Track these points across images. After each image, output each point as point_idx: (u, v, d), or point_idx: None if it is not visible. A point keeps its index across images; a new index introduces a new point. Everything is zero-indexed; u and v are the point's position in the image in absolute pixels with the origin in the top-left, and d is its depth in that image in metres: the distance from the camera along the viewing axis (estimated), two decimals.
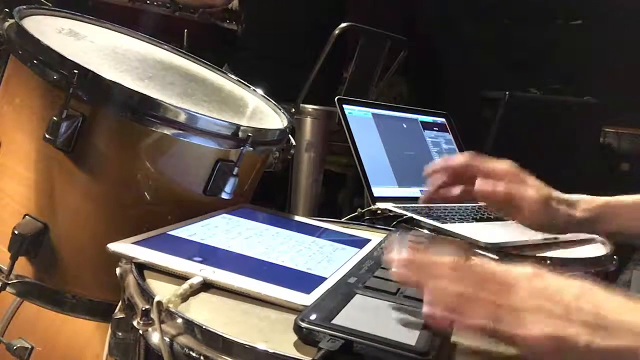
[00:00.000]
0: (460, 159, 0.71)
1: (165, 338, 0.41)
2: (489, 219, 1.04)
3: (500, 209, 0.72)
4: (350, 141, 1.06)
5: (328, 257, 0.59)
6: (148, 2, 2.29)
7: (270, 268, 0.54)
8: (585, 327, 0.39)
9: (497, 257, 0.71)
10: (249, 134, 0.70)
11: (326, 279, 0.52)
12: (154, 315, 0.42)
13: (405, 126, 1.20)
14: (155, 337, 0.42)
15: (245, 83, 0.97)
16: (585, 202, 0.72)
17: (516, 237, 0.91)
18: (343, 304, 0.44)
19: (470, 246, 0.60)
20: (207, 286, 0.48)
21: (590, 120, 2.38)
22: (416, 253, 0.46)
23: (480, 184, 0.68)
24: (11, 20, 0.71)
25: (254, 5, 2.09)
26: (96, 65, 0.69)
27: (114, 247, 0.52)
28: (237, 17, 2.29)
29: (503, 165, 0.70)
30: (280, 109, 0.89)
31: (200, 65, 0.98)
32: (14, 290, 0.70)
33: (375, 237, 0.70)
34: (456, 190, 0.71)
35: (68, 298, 0.70)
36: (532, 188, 0.68)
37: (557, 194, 0.71)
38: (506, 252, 0.81)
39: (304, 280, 0.51)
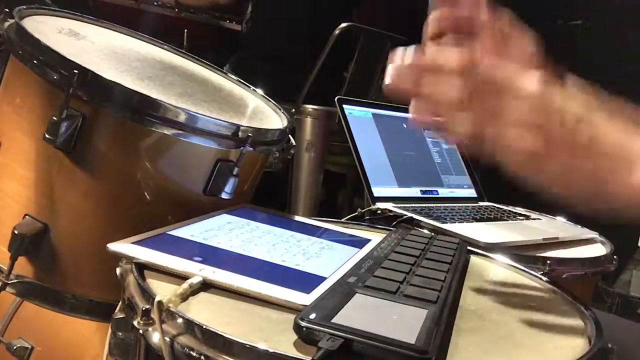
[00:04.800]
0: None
1: (166, 338, 0.41)
2: (489, 219, 1.04)
3: None
4: (350, 141, 1.06)
5: (328, 257, 0.59)
6: (148, 2, 2.30)
7: (270, 268, 0.54)
8: (573, 150, 0.39)
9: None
10: (249, 134, 0.70)
11: (326, 278, 0.52)
12: (154, 315, 0.42)
13: (405, 126, 1.20)
14: (155, 337, 0.42)
15: (245, 83, 0.97)
16: None
17: (516, 237, 0.91)
18: (343, 303, 0.44)
19: None
20: (207, 286, 0.48)
21: None
22: (422, 57, 0.43)
23: None
24: (11, 20, 0.71)
25: (262, 5, 2.09)
26: (96, 65, 0.69)
27: (114, 247, 0.52)
28: (240, 17, 2.29)
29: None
30: (280, 109, 0.89)
31: (200, 65, 0.98)
32: (14, 290, 0.70)
33: (375, 237, 0.70)
34: None
35: (68, 298, 0.70)
36: None
37: None
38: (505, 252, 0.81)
39: (304, 280, 0.51)
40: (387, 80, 0.43)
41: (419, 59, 0.43)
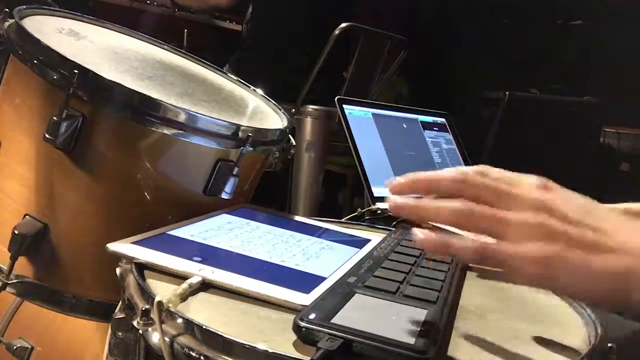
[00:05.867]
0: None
1: (166, 338, 0.41)
2: None
3: None
4: (350, 141, 1.06)
5: (328, 257, 0.59)
6: (148, 2, 2.30)
7: (270, 268, 0.54)
8: (585, 249, 0.38)
9: None
10: (249, 134, 0.70)
11: (325, 278, 0.52)
12: (154, 315, 0.42)
13: (405, 126, 1.20)
14: (155, 337, 0.42)
15: (245, 83, 0.97)
16: None
17: None
18: (342, 303, 0.44)
19: None
20: (206, 286, 0.49)
21: (590, 120, 2.38)
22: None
23: None
24: (11, 20, 0.71)
25: (262, 5, 2.10)
26: (96, 65, 0.69)
27: (114, 247, 0.52)
28: (240, 17, 2.29)
29: None
30: (280, 109, 0.89)
31: (200, 65, 0.98)
32: (14, 290, 0.70)
33: (375, 237, 0.70)
34: None
35: (68, 298, 0.70)
36: None
37: None
38: None
39: (303, 280, 0.51)
40: (388, 198, 0.43)
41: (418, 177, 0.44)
